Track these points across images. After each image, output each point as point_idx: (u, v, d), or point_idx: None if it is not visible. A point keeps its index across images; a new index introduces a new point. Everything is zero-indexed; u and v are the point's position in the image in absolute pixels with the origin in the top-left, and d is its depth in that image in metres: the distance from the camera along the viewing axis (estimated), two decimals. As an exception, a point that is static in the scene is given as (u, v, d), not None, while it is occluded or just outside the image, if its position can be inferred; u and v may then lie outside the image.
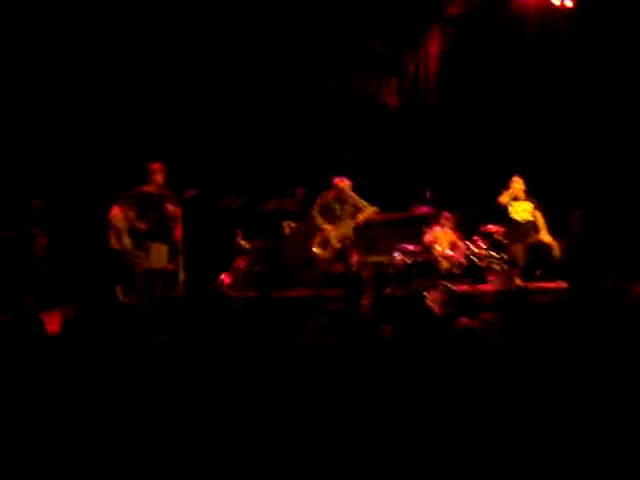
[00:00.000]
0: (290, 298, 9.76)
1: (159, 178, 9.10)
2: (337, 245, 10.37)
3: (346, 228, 10.37)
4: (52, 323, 6.64)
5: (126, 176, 9.81)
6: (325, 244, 10.38)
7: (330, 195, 10.44)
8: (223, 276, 10.55)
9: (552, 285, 10.43)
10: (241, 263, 10.58)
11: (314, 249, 10.39)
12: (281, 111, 12.13)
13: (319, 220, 10.39)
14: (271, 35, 12.01)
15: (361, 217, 10.36)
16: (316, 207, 10.47)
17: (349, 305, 7.94)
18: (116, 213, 10.15)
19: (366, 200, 10.53)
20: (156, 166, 9.13)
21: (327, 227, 10.34)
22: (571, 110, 12.93)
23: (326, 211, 10.43)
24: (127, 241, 9.93)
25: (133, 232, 9.22)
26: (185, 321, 5.87)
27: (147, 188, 9.15)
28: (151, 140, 11.25)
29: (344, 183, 10.39)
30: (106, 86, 11.26)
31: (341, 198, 10.38)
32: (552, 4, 13.02)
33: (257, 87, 11.96)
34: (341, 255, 10.38)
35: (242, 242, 10.79)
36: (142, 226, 9.23)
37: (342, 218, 10.39)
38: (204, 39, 11.53)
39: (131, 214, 9.24)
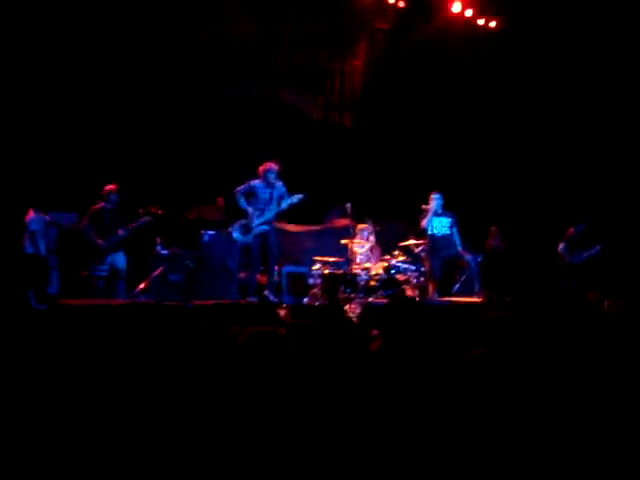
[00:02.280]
0: (207, 306, 9.66)
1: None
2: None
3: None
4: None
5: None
6: (247, 232, 10.08)
7: (259, 180, 10.11)
8: (141, 283, 10.44)
9: (468, 299, 10.60)
10: (159, 271, 10.47)
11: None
12: (203, 119, 12.06)
13: (243, 203, 10.07)
14: (196, 42, 11.95)
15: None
16: (239, 190, 10.12)
17: (266, 313, 7.89)
18: (31, 217, 10.02)
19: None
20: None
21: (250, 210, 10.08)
22: (491, 126, 13.23)
23: (251, 196, 10.12)
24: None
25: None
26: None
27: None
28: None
29: (273, 167, 10.08)
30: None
31: (269, 183, 10.09)
32: (477, 24, 13.34)
33: (179, 94, 11.87)
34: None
35: (161, 250, 10.69)
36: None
37: (269, 204, 10.08)
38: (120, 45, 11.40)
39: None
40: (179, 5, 11.60)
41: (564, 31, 12.64)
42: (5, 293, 9.54)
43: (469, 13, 13.24)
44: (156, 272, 10.45)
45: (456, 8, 13.07)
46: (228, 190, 10.47)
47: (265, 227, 10.05)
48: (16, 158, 10.82)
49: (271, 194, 10.07)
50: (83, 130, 11.31)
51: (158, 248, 10.75)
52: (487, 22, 13.43)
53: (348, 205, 10.72)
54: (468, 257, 11.02)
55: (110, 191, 10.24)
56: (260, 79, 12.46)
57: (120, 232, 10.19)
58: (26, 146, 10.92)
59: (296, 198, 10.02)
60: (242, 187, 10.09)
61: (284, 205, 10.03)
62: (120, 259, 10.29)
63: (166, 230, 10.85)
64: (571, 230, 11.80)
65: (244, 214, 10.06)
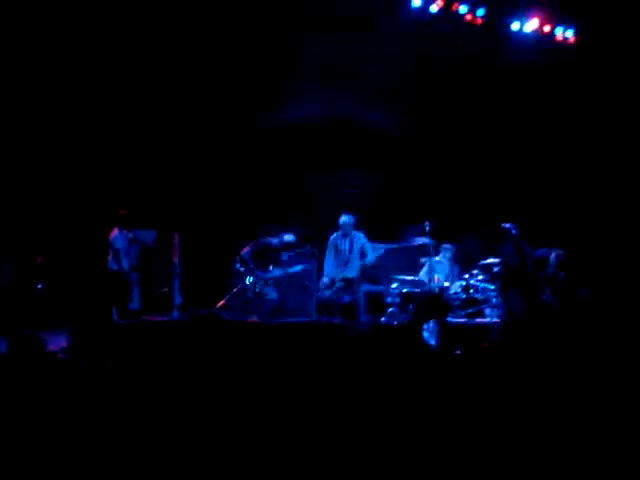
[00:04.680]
0: (290, 324, 9.69)
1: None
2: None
3: None
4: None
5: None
6: (330, 286, 10.49)
7: (337, 233, 10.66)
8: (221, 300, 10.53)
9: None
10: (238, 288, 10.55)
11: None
12: (289, 141, 12.16)
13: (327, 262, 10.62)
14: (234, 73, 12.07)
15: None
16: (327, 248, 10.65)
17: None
18: (115, 234, 10.25)
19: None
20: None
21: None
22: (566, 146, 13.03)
23: (334, 250, 10.64)
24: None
25: None
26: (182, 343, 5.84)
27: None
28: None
29: (348, 221, 10.59)
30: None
31: (347, 234, 10.58)
32: (555, 40, 13.16)
33: (213, 127, 12.00)
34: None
35: (240, 267, 10.77)
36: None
37: (350, 255, 10.58)
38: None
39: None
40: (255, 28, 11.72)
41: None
42: (90, 309, 9.73)
43: (547, 29, 13.07)
44: (235, 289, 10.52)
45: (533, 24, 12.91)
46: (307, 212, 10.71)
47: (349, 281, 10.53)
48: (101, 177, 11.08)
49: (350, 245, 10.62)
50: (165, 153, 11.52)
51: (237, 265, 10.82)
52: (565, 37, 13.26)
53: (427, 223, 10.67)
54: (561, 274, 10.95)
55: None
56: (337, 100, 12.47)
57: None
58: (110, 165, 11.17)
59: (373, 257, 10.69)
60: (327, 249, 10.67)
61: (367, 262, 10.63)
62: None
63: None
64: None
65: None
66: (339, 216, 10.67)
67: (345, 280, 10.49)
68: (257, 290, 10.23)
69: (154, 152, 11.43)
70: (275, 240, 10.40)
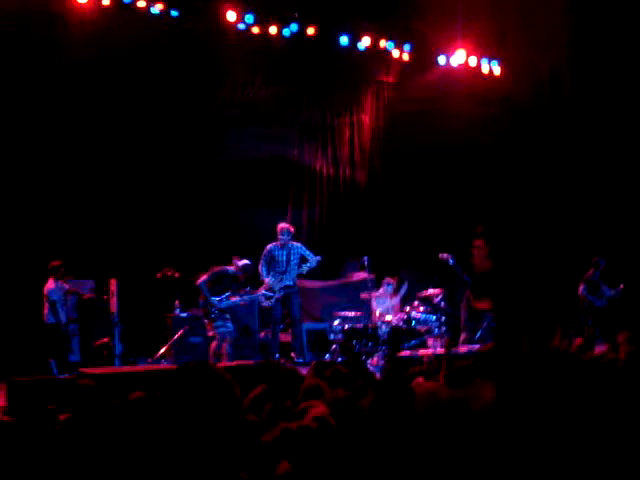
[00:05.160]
0: (230, 368, 9.58)
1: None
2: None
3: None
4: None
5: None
6: (270, 297, 10.34)
7: (275, 243, 10.53)
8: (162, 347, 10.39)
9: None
10: (180, 334, 10.43)
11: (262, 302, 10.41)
12: (216, 180, 12.11)
13: (264, 272, 10.46)
14: (208, 103, 12.07)
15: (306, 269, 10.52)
16: (262, 257, 10.52)
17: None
18: (51, 286, 10.06)
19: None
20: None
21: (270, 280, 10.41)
22: (504, 174, 13.24)
23: (271, 261, 10.50)
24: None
25: None
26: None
27: None
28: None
29: (287, 228, 10.52)
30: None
31: (285, 245, 10.47)
32: (481, 72, 13.46)
33: (190, 156, 11.94)
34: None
35: (180, 313, 10.68)
36: None
37: (288, 266, 10.45)
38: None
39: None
40: (188, 69, 11.72)
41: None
42: (28, 363, 9.51)
43: (473, 61, 13.37)
44: (177, 335, 10.40)
45: (459, 57, 13.19)
46: (244, 249, 10.62)
47: (289, 290, 10.41)
48: (35, 227, 10.87)
49: (288, 255, 10.47)
50: (98, 198, 11.36)
51: (177, 311, 10.73)
52: (491, 70, 13.57)
53: (365, 258, 10.76)
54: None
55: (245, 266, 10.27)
56: (270, 138, 12.52)
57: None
58: (44, 215, 10.98)
59: (314, 262, 10.43)
60: (263, 257, 10.50)
61: (304, 269, 10.45)
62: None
63: (184, 293, 10.84)
64: (591, 271, 11.70)
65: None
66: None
67: (285, 289, 10.38)
68: (212, 318, 10.08)
69: (86, 199, 11.26)
70: (231, 268, 10.29)
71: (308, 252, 10.58)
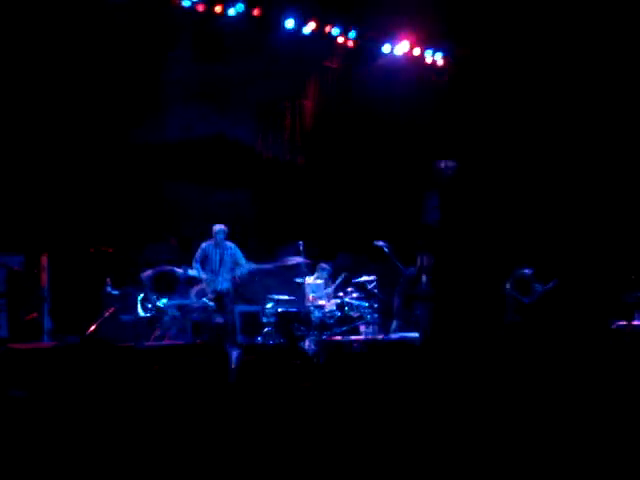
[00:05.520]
0: (159, 348, 9.52)
1: None
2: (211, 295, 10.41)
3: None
4: None
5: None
6: (202, 294, 10.40)
7: (209, 242, 10.63)
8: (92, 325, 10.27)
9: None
10: (110, 311, 10.31)
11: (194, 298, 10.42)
12: (155, 157, 11.97)
13: (199, 270, 10.55)
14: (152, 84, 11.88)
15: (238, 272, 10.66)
16: (195, 255, 10.61)
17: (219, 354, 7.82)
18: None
19: (245, 252, 10.85)
20: None
21: (204, 277, 10.48)
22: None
23: (205, 259, 10.60)
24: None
25: None
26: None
27: None
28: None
29: (222, 228, 10.63)
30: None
31: (219, 244, 10.58)
32: (425, 62, 13.57)
33: (126, 131, 11.76)
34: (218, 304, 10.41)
35: (112, 290, 10.54)
36: None
37: (221, 266, 10.52)
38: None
39: None
40: (130, 43, 11.52)
41: (513, 65, 12.89)
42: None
43: (417, 51, 13.46)
44: (107, 313, 10.28)
45: (404, 47, 13.27)
46: (177, 228, 10.62)
47: (221, 292, 10.56)
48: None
49: (222, 255, 10.67)
50: (28, 168, 11.11)
51: (108, 288, 10.59)
52: (434, 60, 13.69)
53: (300, 243, 10.79)
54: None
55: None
56: (211, 117, 12.39)
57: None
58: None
59: (246, 269, 10.76)
60: (197, 254, 10.66)
61: (237, 274, 10.74)
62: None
63: (116, 270, 10.71)
64: (519, 271, 11.67)
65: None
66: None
67: (216, 293, 10.45)
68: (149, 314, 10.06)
69: (17, 171, 11.02)
70: (180, 270, 10.36)
71: (240, 255, 10.74)
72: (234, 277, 10.66)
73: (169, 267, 10.33)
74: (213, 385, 4.98)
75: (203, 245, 10.68)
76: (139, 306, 10.19)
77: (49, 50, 10.96)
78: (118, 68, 11.49)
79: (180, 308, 10.25)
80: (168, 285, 10.29)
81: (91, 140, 11.50)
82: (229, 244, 10.71)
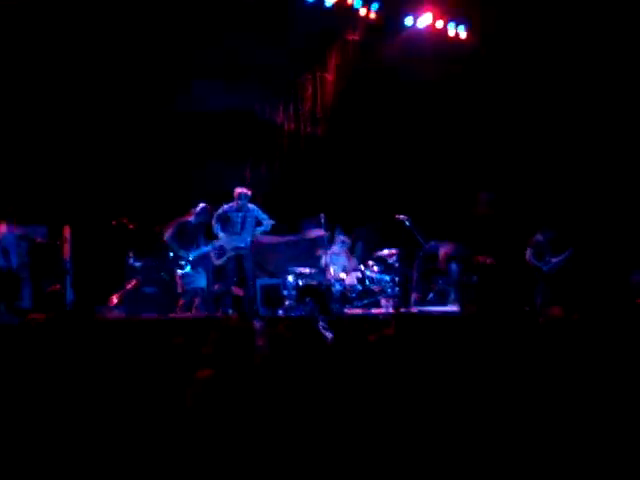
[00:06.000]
0: (183, 319, 9.58)
1: None
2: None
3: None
4: None
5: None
6: (222, 254, 10.42)
7: (231, 204, 10.60)
8: (113, 297, 10.34)
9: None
10: (132, 283, 10.37)
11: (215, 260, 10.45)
12: (178, 131, 11.99)
13: (217, 228, 10.55)
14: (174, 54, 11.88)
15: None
16: (216, 215, 10.59)
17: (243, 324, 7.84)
18: (3, 231, 9.92)
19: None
20: None
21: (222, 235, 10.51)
22: (462, 134, 13.26)
23: (225, 221, 10.56)
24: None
25: None
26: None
27: None
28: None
29: (245, 192, 10.58)
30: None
31: (242, 208, 10.54)
32: (447, 36, 13.42)
33: (148, 105, 11.78)
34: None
35: (134, 262, 10.59)
36: None
37: (243, 228, 10.50)
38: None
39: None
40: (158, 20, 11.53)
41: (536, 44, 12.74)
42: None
43: (440, 24, 13.32)
44: (130, 285, 10.35)
45: (426, 19, 13.14)
46: (201, 201, 10.61)
47: (240, 251, 10.50)
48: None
49: (244, 218, 10.58)
50: (54, 142, 11.18)
51: (131, 260, 10.65)
52: (457, 34, 13.53)
53: (322, 216, 10.78)
54: (452, 266, 11.11)
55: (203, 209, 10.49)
56: (232, 91, 12.36)
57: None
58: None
59: (268, 225, 10.66)
60: (217, 212, 10.59)
61: (257, 231, 10.67)
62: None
63: (139, 242, 10.76)
64: (537, 236, 11.55)
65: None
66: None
67: (236, 250, 10.47)
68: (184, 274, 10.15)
69: (41, 144, 11.08)
70: (192, 218, 10.38)
71: (263, 215, 10.66)
72: (256, 234, 10.67)
73: (182, 218, 10.37)
74: (239, 358, 4.98)
75: (225, 206, 10.63)
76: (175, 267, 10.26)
77: (91, 20, 11.02)
78: (148, 42, 11.54)
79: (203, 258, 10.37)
80: (189, 237, 10.33)
81: (117, 110, 11.56)
82: (251, 206, 10.66)
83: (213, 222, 10.55)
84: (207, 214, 10.49)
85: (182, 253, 10.19)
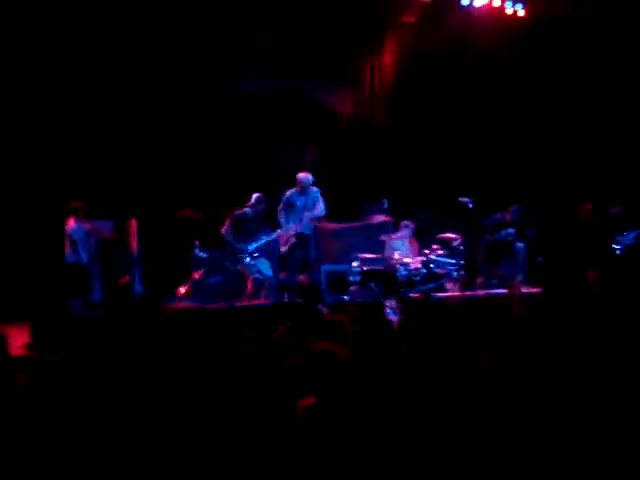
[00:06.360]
0: (250, 308, 9.66)
1: None
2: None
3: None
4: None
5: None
6: (286, 242, 10.50)
7: (294, 190, 10.61)
8: (181, 288, 10.48)
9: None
10: (199, 274, 10.51)
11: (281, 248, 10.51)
12: (228, 116, 12.13)
13: (282, 217, 10.59)
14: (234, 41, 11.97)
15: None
16: (281, 203, 10.63)
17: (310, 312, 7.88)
18: (72, 226, 10.11)
19: (330, 211, 10.84)
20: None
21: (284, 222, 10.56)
22: (521, 118, 13.08)
23: (290, 206, 10.59)
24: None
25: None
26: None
27: None
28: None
29: (307, 176, 10.59)
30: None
31: (304, 192, 10.55)
32: (505, 14, 13.20)
33: (201, 92, 11.92)
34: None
35: (200, 253, 10.71)
36: None
37: (304, 210, 10.55)
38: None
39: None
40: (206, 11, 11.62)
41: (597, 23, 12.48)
42: (48, 302, 9.62)
43: (497, 2, 13.12)
44: (196, 275, 10.49)
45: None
46: (261, 187, 10.73)
47: (304, 236, 10.52)
48: (56, 167, 10.95)
49: (306, 201, 10.57)
50: (118, 137, 11.39)
51: (196, 251, 10.77)
52: (515, 10, 13.30)
53: (385, 201, 10.75)
54: (519, 245, 10.99)
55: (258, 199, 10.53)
56: (289, 75, 12.42)
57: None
58: (64, 155, 11.04)
59: (319, 212, 10.58)
60: (280, 205, 10.64)
61: (317, 214, 10.60)
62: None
63: (204, 233, 10.89)
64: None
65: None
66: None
67: (299, 236, 10.48)
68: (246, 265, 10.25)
69: (105, 139, 11.30)
70: (248, 210, 10.44)
71: (319, 201, 10.62)
72: (313, 217, 10.60)
73: (238, 211, 10.42)
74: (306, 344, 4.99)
75: (287, 194, 10.64)
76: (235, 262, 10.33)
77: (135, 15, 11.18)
78: (198, 30, 11.64)
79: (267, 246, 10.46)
80: (247, 230, 10.39)
81: (175, 101, 11.72)
82: (314, 189, 10.65)
83: (279, 209, 10.59)
84: (263, 203, 10.54)
85: (241, 246, 10.25)
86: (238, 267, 10.39)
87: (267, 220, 10.68)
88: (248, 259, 10.30)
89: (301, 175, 10.62)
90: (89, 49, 11.14)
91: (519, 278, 10.75)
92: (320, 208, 10.59)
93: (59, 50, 10.94)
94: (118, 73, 11.40)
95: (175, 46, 11.64)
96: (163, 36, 11.52)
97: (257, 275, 10.31)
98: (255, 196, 10.51)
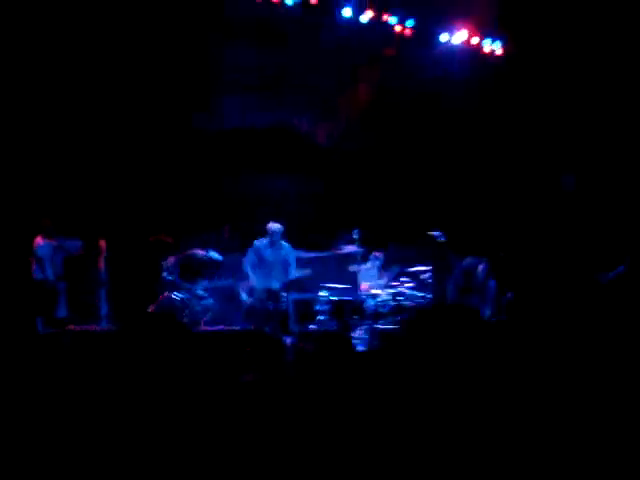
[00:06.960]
0: (212, 333, 9.60)
1: None
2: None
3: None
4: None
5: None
6: (252, 293, 10.40)
7: (264, 241, 10.51)
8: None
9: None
10: (164, 296, 10.44)
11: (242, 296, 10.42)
12: (214, 145, 12.13)
13: (247, 268, 10.44)
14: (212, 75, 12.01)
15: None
16: (247, 254, 10.50)
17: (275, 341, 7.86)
18: (40, 243, 10.06)
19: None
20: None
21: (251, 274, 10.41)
22: (493, 157, 13.22)
23: (258, 258, 10.45)
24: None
25: None
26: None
27: None
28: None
29: (279, 228, 10.47)
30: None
31: (273, 243, 10.44)
32: (482, 52, 13.40)
33: (186, 121, 11.93)
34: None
35: (167, 276, 10.64)
36: None
37: (273, 263, 10.44)
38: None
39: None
40: (188, 33, 11.65)
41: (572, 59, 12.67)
42: (14, 319, 9.52)
43: (475, 40, 13.30)
44: (160, 297, 10.42)
45: (462, 36, 13.14)
46: (235, 216, 10.67)
47: (273, 293, 10.30)
48: (23, 185, 10.87)
49: (276, 256, 10.45)
50: (89, 158, 11.35)
51: (164, 274, 10.71)
52: (492, 49, 13.49)
53: (355, 231, 10.78)
54: (491, 283, 11.04)
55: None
56: (268, 107, 12.48)
57: None
58: (32, 174, 10.97)
59: (293, 276, 10.50)
60: (248, 257, 10.43)
61: (291, 277, 10.48)
62: None
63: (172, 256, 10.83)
64: None
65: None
66: (267, 223, 10.55)
67: (269, 292, 10.31)
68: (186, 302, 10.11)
69: (75, 157, 11.25)
70: (201, 253, 10.27)
71: (293, 259, 10.59)
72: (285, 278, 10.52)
73: (191, 251, 10.30)
74: (269, 371, 5.01)
75: (256, 244, 10.49)
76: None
77: (114, 31, 11.17)
78: (178, 55, 11.65)
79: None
80: (193, 271, 10.26)
81: (151, 128, 11.69)
82: (285, 244, 10.56)
83: (246, 259, 10.44)
84: (219, 263, 10.34)
85: (183, 284, 10.12)
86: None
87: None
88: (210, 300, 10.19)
89: (272, 226, 10.44)
90: (65, 69, 11.11)
91: (487, 313, 10.80)
92: (293, 272, 10.54)
93: (29, 71, 10.90)
94: (98, 94, 11.38)
95: (155, 80, 11.65)
96: (146, 70, 11.54)
97: (197, 309, 10.10)
98: (214, 254, 10.27)
